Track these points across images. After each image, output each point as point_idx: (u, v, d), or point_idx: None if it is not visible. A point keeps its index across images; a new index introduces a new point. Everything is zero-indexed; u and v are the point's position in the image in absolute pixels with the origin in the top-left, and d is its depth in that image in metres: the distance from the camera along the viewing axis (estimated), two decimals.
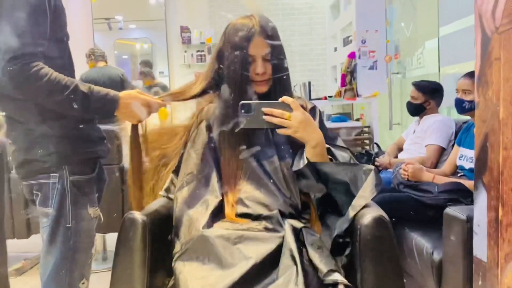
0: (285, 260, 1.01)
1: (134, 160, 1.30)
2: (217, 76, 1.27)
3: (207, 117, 1.29)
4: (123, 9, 6.40)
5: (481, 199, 1.27)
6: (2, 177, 1.45)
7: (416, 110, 2.63)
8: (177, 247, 1.14)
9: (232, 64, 1.20)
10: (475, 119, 1.35)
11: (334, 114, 4.65)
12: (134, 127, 1.28)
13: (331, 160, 1.20)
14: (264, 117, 1.11)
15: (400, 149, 2.80)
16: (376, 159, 2.72)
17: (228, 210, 1.18)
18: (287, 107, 1.11)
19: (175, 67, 5.98)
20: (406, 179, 2.09)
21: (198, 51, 5.84)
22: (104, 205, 1.39)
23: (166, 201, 1.29)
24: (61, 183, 1.22)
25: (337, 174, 1.15)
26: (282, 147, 1.23)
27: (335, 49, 5.60)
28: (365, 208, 1.08)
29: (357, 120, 4.40)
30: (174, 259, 1.12)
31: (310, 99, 4.19)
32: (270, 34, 1.21)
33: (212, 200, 1.18)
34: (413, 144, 2.64)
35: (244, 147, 1.21)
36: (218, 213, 1.17)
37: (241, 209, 1.17)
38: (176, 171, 1.30)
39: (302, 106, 1.15)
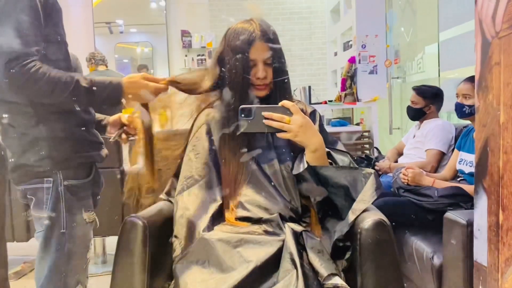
0: (285, 263, 1.01)
1: (146, 145, 1.29)
2: (218, 80, 1.27)
3: (207, 121, 1.29)
4: (124, 13, 6.43)
5: (482, 204, 1.27)
6: (3, 179, 1.44)
7: (416, 114, 2.63)
8: (178, 250, 1.14)
9: (233, 68, 1.20)
10: (475, 123, 1.35)
11: (334, 118, 4.66)
12: (144, 105, 1.26)
13: (331, 164, 1.21)
14: (264, 121, 1.11)
15: (400, 154, 2.80)
16: (376, 163, 2.72)
17: (228, 213, 1.18)
18: (287, 111, 1.12)
19: (175, 71, 5.97)
20: (406, 183, 2.09)
21: (198, 55, 5.86)
22: (104, 208, 1.38)
23: (167, 205, 1.28)
24: (55, 188, 1.20)
25: (337, 178, 1.15)
26: (283, 150, 1.24)
27: (335, 54, 5.62)
28: (365, 212, 1.08)
29: (357, 124, 4.40)
30: (174, 262, 1.12)
31: (310, 103, 4.20)
32: (271, 38, 1.21)
33: (212, 203, 1.18)
34: (413, 149, 2.64)
35: (245, 150, 1.21)
36: (218, 217, 1.17)
37: (241, 213, 1.17)
38: (176, 175, 1.29)
39: (302, 110, 1.16)
